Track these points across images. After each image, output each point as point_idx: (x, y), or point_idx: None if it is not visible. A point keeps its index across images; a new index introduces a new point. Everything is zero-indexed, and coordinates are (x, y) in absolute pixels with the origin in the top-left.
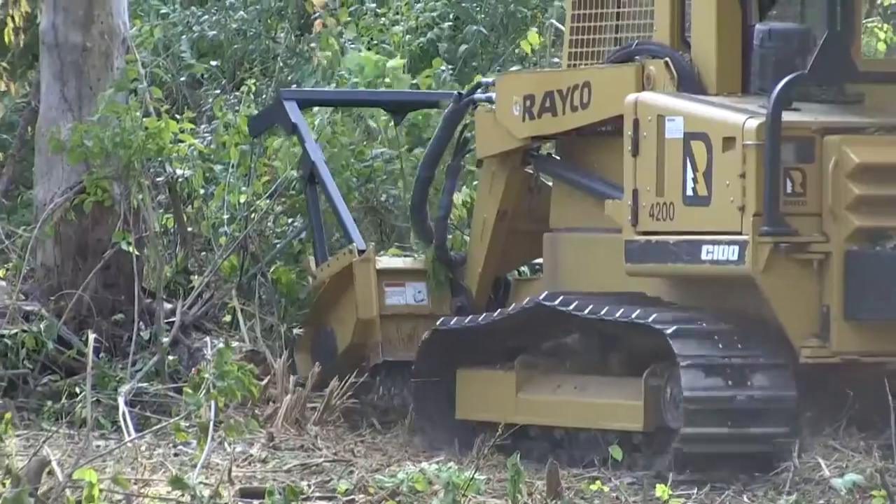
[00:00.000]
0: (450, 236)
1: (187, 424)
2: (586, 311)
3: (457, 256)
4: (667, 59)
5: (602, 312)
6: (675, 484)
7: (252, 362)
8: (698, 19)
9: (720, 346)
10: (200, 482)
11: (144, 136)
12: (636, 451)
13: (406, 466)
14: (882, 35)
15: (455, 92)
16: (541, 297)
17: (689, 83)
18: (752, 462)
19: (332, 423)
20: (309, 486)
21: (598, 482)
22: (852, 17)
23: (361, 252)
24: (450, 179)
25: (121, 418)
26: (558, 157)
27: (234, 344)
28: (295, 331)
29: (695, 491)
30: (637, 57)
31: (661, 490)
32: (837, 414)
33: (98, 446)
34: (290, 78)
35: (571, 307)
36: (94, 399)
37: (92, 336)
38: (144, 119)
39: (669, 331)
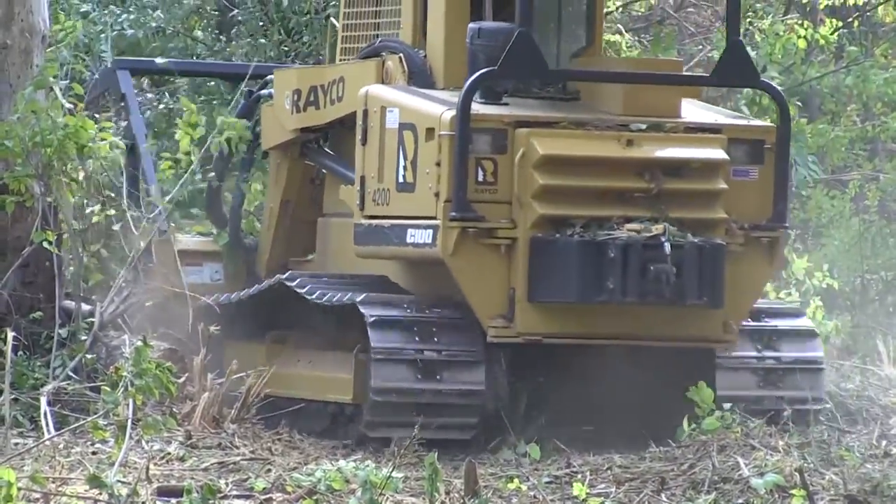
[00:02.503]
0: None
1: (105, 423)
2: (305, 290)
3: (251, 242)
4: (401, 55)
5: (314, 295)
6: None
7: (170, 360)
8: (432, 17)
9: (417, 338)
10: (118, 480)
11: (63, 135)
12: (351, 423)
13: (323, 465)
14: (802, 32)
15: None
16: (283, 278)
17: (419, 78)
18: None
19: (250, 420)
20: (227, 484)
21: (515, 480)
22: (594, 21)
23: (163, 233)
24: (243, 171)
25: (42, 418)
26: (327, 149)
27: (153, 342)
28: None
29: (613, 489)
30: (382, 53)
31: (578, 489)
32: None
33: (16, 444)
34: None
35: (295, 284)
36: (13, 397)
37: (10, 334)
38: (63, 118)
39: (371, 320)
